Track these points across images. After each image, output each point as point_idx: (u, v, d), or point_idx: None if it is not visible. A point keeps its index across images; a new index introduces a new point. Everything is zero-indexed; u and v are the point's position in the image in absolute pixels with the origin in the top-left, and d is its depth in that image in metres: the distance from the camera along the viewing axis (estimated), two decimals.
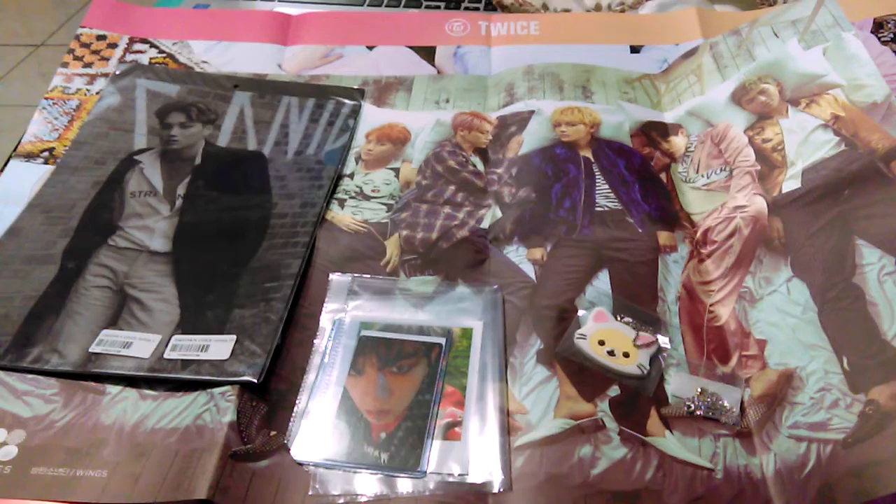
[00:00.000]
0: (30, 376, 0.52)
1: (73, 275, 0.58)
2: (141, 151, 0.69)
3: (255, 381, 0.51)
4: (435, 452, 0.48)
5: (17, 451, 0.48)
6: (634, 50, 0.83)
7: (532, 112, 0.75)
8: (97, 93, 0.76)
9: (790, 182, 0.63)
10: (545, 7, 0.92)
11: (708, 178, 0.67)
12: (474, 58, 0.83)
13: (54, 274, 0.58)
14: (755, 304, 0.57)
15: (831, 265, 0.56)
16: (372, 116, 0.76)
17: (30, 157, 0.69)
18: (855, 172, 0.60)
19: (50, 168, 0.68)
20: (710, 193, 0.66)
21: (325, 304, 0.58)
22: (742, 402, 0.51)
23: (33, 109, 0.74)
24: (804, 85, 0.69)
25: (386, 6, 0.98)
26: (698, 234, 0.63)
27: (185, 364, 0.52)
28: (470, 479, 0.47)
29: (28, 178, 0.67)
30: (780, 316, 0.55)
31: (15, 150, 0.70)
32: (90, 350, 0.53)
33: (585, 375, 0.53)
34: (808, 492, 0.45)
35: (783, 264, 0.58)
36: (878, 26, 0.75)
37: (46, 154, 0.69)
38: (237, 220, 0.63)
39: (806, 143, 0.65)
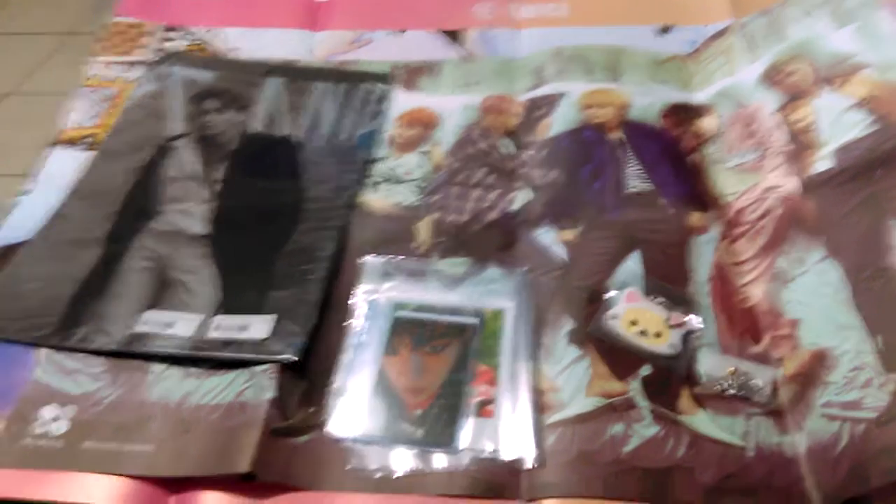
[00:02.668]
0: (79, 355, 0.54)
1: (116, 257, 0.60)
2: (178, 137, 0.71)
3: (296, 359, 0.52)
4: (468, 429, 0.50)
5: (68, 426, 0.49)
6: (664, 31, 0.83)
7: (561, 95, 0.75)
8: (134, 80, 0.77)
9: (822, 162, 0.62)
10: None
11: (740, 158, 0.67)
12: (503, 41, 0.84)
13: (98, 257, 0.60)
14: (787, 285, 0.57)
15: (864, 245, 0.55)
16: (402, 101, 0.77)
17: (72, 143, 0.71)
18: (887, 152, 0.59)
19: (91, 154, 0.69)
20: (742, 174, 0.66)
21: (359, 286, 0.59)
22: (774, 382, 0.52)
23: (70, 97, 0.76)
24: (836, 64, 0.68)
25: None
26: (730, 215, 0.63)
27: (227, 343, 0.54)
28: (502, 456, 0.48)
29: (70, 165, 0.69)
30: (812, 296, 0.55)
31: (58, 137, 0.72)
32: (134, 330, 0.55)
33: (617, 355, 0.54)
34: (840, 470, 0.46)
35: (816, 245, 0.58)
36: None
37: (89, 140, 0.71)
38: (272, 204, 0.65)
39: (838, 122, 0.64)
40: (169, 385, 0.52)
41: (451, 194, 0.67)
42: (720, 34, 0.80)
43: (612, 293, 0.57)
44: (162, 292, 0.57)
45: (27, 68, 0.91)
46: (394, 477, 0.47)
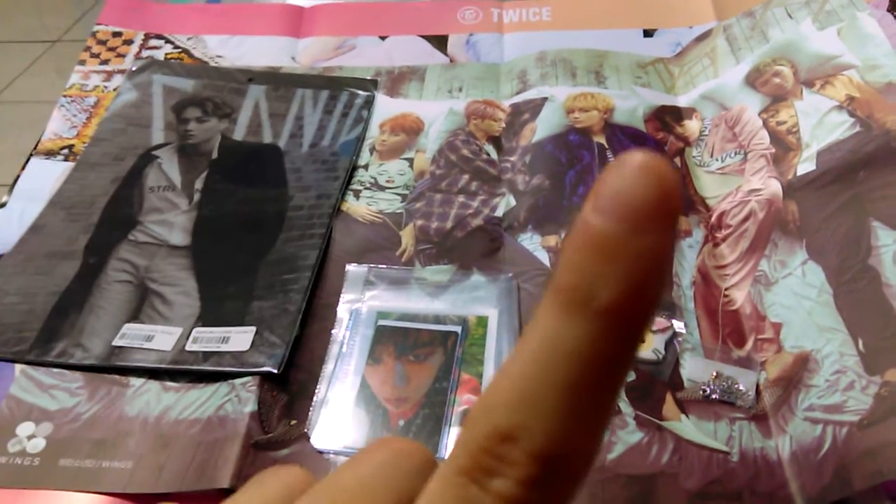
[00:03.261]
0: (55, 370, 0.53)
1: (95, 270, 0.59)
2: (159, 147, 0.70)
3: (276, 371, 0.52)
4: (453, 439, 0.49)
5: (45, 444, 0.49)
6: (648, 34, 0.83)
7: (545, 99, 0.75)
8: (114, 89, 0.77)
9: (805, 164, 0.62)
10: None
11: (722, 161, 0.67)
12: (486, 45, 0.83)
13: (77, 269, 0.59)
14: (770, 288, 0.57)
15: (846, 247, 0.55)
16: (385, 107, 0.76)
17: (50, 154, 0.71)
18: (870, 154, 0.59)
19: (70, 165, 0.69)
20: (725, 177, 0.66)
21: (342, 295, 0.59)
22: (757, 386, 0.52)
23: (50, 106, 0.75)
24: (818, 66, 0.69)
25: None
26: (713, 219, 0.63)
27: (207, 356, 0.53)
28: None
29: (49, 176, 0.68)
30: (795, 299, 0.55)
31: (35, 147, 0.71)
32: (113, 344, 0.54)
33: None
34: (824, 473, 0.46)
35: (798, 247, 0.58)
36: (893, 5, 0.74)
37: (66, 151, 0.71)
38: (254, 213, 0.64)
39: (820, 124, 0.64)
40: (148, 399, 0.52)
41: (434, 201, 0.66)
42: (704, 36, 0.80)
43: None
44: (141, 305, 0.57)
45: (8, 77, 0.90)
46: None
